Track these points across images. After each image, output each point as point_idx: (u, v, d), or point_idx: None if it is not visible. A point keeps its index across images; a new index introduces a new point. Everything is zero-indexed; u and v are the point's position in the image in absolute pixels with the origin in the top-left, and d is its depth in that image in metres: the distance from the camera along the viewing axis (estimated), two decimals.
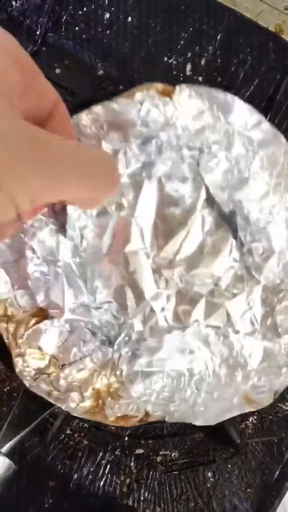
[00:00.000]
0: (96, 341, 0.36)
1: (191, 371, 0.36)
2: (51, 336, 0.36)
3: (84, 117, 0.35)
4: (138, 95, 0.35)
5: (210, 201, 0.35)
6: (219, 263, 0.35)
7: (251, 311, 0.35)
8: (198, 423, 0.36)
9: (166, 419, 0.37)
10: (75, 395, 0.36)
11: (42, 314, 0.37)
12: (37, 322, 0.36)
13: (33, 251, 0.35)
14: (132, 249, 0.35)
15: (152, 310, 0.35)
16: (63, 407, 0.37)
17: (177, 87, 0.34)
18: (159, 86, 0.35)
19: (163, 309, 0.35)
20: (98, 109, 0.35)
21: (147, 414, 0.36)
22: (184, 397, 0.36)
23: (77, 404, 0.36)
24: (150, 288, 0.35)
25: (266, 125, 0.35)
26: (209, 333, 0.35)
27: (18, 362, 0.36)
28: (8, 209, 0.20)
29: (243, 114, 0.35)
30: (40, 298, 0.36)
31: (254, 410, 0.36)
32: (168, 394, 0.36)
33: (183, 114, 0.34)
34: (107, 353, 0.36)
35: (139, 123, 0.34)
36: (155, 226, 0.35)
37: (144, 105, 0.34)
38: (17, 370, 0.37)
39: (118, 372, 0.36)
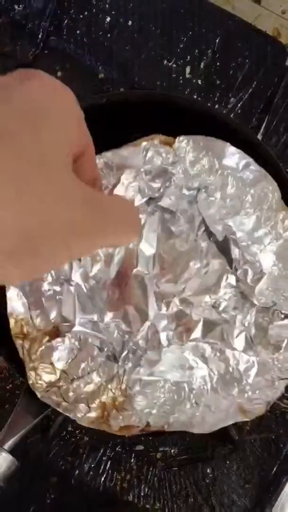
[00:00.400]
0: (103, 357, 0.39)
1: (190, 385, 0.39)
2: (62, 352, 0.39)
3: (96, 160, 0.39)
4: (144, 144, 0.39)
5: (208, 233, 0.40)
6: (216, 288, 0.39)
7: (246, 330, 0.39)
8: (195, 431, 0.39)
9: (165, 429, 0.39)
10: (82, 407, 0.39)
11: (54, 332, 0.40)
12: (50, 340, 0.39)
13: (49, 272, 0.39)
14: (137, 276, 0.39)
15: (154, 330, 0.39)
16: (71, 416, 0.39)
17: (177, 138, 0.39)
18: (162, 137, 0.40)
19: (164, 329, 0.39)
20: (108, 154, 0.39)
21: (148, 424, 0.39)
22: (183, 410, 0.39)
23: (84, 415, 0.39)
24: (153, 310, 0.39)
25: (255, 166, 0.40)
26: (206, 349, 0.39)
27: (32, 376, 0.39)
28: (64, 260, 0.22)
29: (234, 158, 0.39)
30: (52, 315, 0.39)
31: (248, 419, 0.38)
32: (169, 407, 0.39)
33: (183, 160, 0.39)
34: (113, 368, 0.39)
35: (144, 166, 0.39)
36: (159, 255, 0.39)
37: (149, 152, 0.39)
38: (30, 382, 0.39)
39: (123, 386, 0.39)
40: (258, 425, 0.50)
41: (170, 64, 0.54)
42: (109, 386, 0.39)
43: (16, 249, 0.19)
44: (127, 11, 0.54)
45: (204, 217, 0.40)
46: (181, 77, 0.54)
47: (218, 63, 0.54)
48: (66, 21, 0.55)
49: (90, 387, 0.39)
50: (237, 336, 0.39)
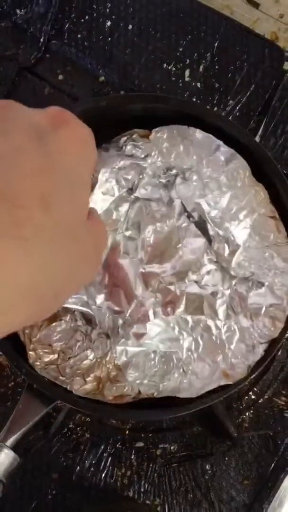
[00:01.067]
0: (96, 335, 0.42)
1: (177, 355, 0.41)
2: (59, 335, 0.42)
3: None
4: (123, 139, 0.43)
5: (186, 214, 0.43)
6: (198, 265, 0.42)
7: (227, 300, 0.42)
8: (182, 396, 0.41)
9: (154, 395, 0.41)
10: (78, 380, 0.41)
11: (52, 317, 0.42)
12: (48, 324, 0.42)
13: None
14: (124, 260, 0.42)
15: (142, 306, 0.42)
16: (68, 387, 0.41)
17: (153, 130, 0.43)
18: (140, 131, 0.43)
19: (151, 305, 0.42)
20: None
21: (139, 392, 0.41)
22: (172, 378, 0.41)
23: (80, 387, 0.41)
24: (140, 289, 0.42)
25: (225, 147, 0.43)
26: (190, 321, 0.42)
27: (32, 355, 0.42)
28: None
29: (206, 142, 0.43)
30: None
31: (231, 382, 0.41)
32: (158, 376, 0.41)
33: (160, 149, 0.43)
34: (106, 345, 0.42)
35: (120, 160, 0.42)
36: (142, 240, 0.42)
37: (128, 146, 0.43)
38: (30, 361, 0.42)
39: (115, 361, 0.41)
40: (256, 422, 0.51)
41: (169, 67, 0.55)
42: (103, 361, 0.41)
43: (41, 298, 0.21)
44: (127, 16, 0.55)
45: (182, 200, 0.42)
46: (180, 80, 0.55)
47: (216, 67, 0.55)
48: (67, 25, 0.55)
49: (85, 363, 0.41)
50: (219, 307, 0.41)
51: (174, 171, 0.43)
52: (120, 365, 0.41)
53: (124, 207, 0.42)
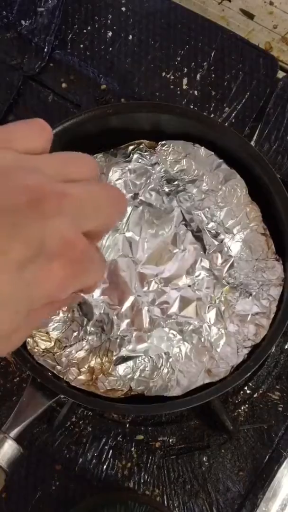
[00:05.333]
0: (92, 327, 0.44)
1: (168, 354, 0.44)
2: (56, 324, 0.44)
3: None
4: (131, 147, 0.46)
5: (184, 223, 0.45)
6: (192, 270, 0.44)
7: (216, 306, 0.44)
8: (171, 394, 0.43)
9: (145, 393, 0.43)
10: (74, 370, 0.44)
11: None
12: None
13: None
14: (122, 258, 0.44)
15: (137, 305, 0.44)
16: (64, 378, 0.43)
17: (159, 143, 0.46)
18: (146, 142, 0.47)
19: (145, 304, 0.44)
20: (100, 155, 0.47)
21: (130, 388, 0.43)
22: (161, 375, 0.43)
23: (75, 377, 0.43)
24: (136, 288, 0.44)
25: (225, 166, 0.46)
26: (183, 323, 0.44)
27: (29, 342, 0.44)
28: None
29: (209, 159, 0.46)
30: None
31: (214, 381, 0.43)
32: (148, 373, 0.43)
33: (164, 161, 0.46)
34: (101, 338, 0.44)
35: (129, 165, 0.45)
36: (142, 242, 0.45)
37: (135, 154, 0.46)
38: (28, 347, 0.44)
39: (109, 354, 0.44)
40: (252, 416, 0.52)
41: (168, 76, 0.57)
42: (98, 353, 0.44)
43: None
44: (127, 26, 0.57)
45: (181, 209, 0.45)
46: (178, 88, 0.56)
47: (213, 75, 0.57)
48: (70, 36, 0.57)
49: (80, 354, 0.43)
50: (209, 311, 0.44)
51: (176, 183, 0.46)
52: (113, 358, 0.43)
53: (127, 210, 0.45)
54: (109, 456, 0.51)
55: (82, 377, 0.43)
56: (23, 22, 0.57)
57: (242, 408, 0.52)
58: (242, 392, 0.52)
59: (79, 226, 0.21)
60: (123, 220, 0.44)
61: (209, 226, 0.45)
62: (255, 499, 0.50)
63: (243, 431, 0.51)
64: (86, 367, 0.43)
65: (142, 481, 0.51)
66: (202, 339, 0.44)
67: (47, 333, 0.44)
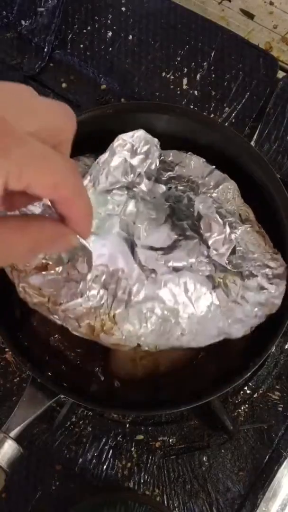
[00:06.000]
0: (91, 285, 0.40)
1: (176, 316, 0.41)
2: (50, 282, 0.40)
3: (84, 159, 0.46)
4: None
5: (181, 217, 0.44)
6: (190, 256, 0.42)
7: (222, 282, 0.42)
8: (186, 346, 0.41)
9: (156, 348, 0.41)
10: (73, 322, 0.40)
11: (43, 266, 0.41)
12: (37, 272, 0.40)
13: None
14: (122, 235, 0.42)
15: (140, 265, 0.41)
16: (64, 325, 0.41)
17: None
18: None
19: (149, 272, 0.41)
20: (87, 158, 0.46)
21: (138, 345, 0.41)
22: (170, 336, 0.41)
23: (74, 328, 0.41)
24: (138, 260, 0.41)
25: (217, 172, 0.46)
26: (193, 287, 0.41)
27: (21, 292, 0.41)
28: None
29: (199, 167, 0.46)
30: (42, 256, 0.41)
31: (232, 338, 0.42)
32: (156, 334, 0.41)
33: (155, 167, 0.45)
34: (102, 296, 0.40)
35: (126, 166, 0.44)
36: (139, 228, 0.42)
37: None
38: (20, 296, 0.41)
39: (111, 314, 0.40)
40: (252, 415, 0.52)
41: (168, 76, 0.57)
42: (97, 312, 0.40)
43: None
44: (127, 26, 0.57)
45: (175, 208, 0.44)
46: (178, 88, 0.56)
47: (213, 75, 0.57)
48: (70, 36, 0.57)
49: (79, 310, 0.40)
50: (217, 286, 0.42)
51: (166, 187, 0.45)
52: (116, 318, 0.40)
53: (123, 197, 0.43)
54: (109, 456, 0.51)
55: (82, 329, 0.41)
56: (23, 22, 0.57)
57: (242, 408, 0.52)
58: (242, 392, 0.53)
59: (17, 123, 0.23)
60: (119, 206, 0.42)
61: (205, 219, 0.43)
62: (255, 499, 0.50)
63: (243, 431, 0.51)
64: (85, 323, 0.40)
65: (142, 481, 0.51)
66: (215, 297, 0.41)
67: (40, 289, 0.40)
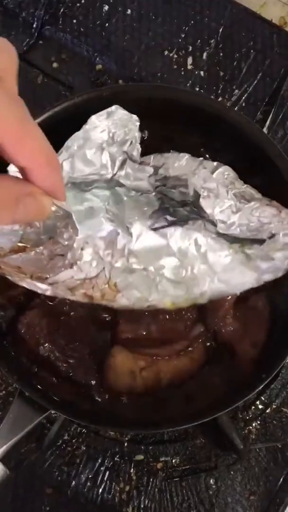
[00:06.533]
0: (83, 252, 0.40)
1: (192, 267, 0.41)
2: (28, 261, 0.37)
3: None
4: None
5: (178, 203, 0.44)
6: (197, 231, 0.42)
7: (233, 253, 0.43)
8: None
9: (165, 306, 0.41)
10: (66, 291, 0.40)
11: (20, 249, 0.37)
12: (12, 253, 0.38)
13: None
14: (110, 219, 0.41)
15: (143, 229, 0.41)
16: (54, 295, 0.40)
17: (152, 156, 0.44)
18: None
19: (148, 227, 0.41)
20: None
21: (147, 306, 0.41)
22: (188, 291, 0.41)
23: (67, 295, 0.40)
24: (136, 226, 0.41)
25: (206, 162, 0.44)
26: (204, 246, 0.42)
27: None
28: None
29: (186, 162, 0.44)
30: (17, 238, 0.37)
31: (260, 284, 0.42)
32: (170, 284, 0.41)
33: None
34: (100, 265, 0.40)
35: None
36: (130, 211, 0.42)
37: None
38: None
39: (111, 283, 0.40)
40: (264, 433, 0.49)
41: (171, 54, 0.55)
42: (94, 282, 0.40)
43: None
44: None
45: (166, 198, 0.44)
46: (182, 69, 0.54)
47: (221, 54, 0.55)
48: (62, 10, 0.55)
49: (70, 282, 0.39)
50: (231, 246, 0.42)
51: (159, 177, 0.44)
52: (117, 286, 0.40)
53: (106, 192, 0.42)
54: (105, 478, 0.49)
55: (78, 297, 0.40)
56: None
57: (254, 424, 0.50)
58: (253, 407, 0.50)
59: None
60: (103, 203, 0.41)
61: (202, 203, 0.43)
62: None
63: (255, 450, 0.49)
64: (80, 292, 0.40)
65: (142, 506, 0.48)
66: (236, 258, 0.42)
67: (19, 267, 0.38)
